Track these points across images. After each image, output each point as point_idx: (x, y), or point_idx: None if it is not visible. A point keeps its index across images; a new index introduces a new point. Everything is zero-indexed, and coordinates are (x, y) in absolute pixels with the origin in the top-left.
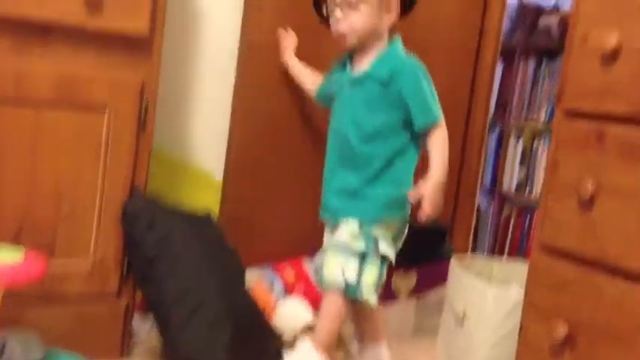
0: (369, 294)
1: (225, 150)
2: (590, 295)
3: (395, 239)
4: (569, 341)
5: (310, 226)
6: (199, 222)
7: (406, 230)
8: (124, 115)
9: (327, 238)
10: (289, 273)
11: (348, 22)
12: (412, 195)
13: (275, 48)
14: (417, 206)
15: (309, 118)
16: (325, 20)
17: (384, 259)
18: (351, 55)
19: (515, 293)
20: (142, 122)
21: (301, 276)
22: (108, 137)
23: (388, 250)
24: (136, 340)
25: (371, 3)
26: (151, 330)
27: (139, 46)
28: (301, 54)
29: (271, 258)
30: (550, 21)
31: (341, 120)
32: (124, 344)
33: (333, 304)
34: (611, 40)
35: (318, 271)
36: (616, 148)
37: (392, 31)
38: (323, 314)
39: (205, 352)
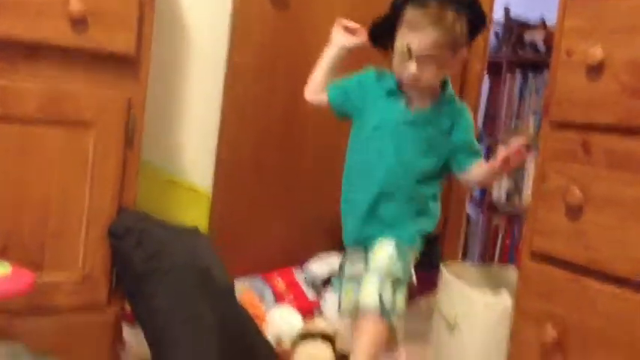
0: (398, 319)
1: (213, 164)
2: (580, 301)
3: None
4: (559, 346)
5: (297, 238)
6: (188, 236)
7: None
8: (111, 132)
9: (349, 268)
10: (279, 283)
11: (426, 76)
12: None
13: (260, 69)
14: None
15: (295, 135)
16: (381, 48)
17: (409, 286)
18: (395, 85)
19: (506, 300)
20: (130, 138)
21: (291, 285)
22: (95, 153)
23: (414, 277)
24: (126, 351)
25: (450, 55)
26: (140, 341)
27: (126, 64)
28: (289, 76)
29: (260, 269)
30: (536, 36)
31: (385, 152)
32: (113, 354)
33: (373, 328)
34: (596, 54)
35: (342, 301)
36: (602, 157)
37: None
38: (363, 339)
39: None
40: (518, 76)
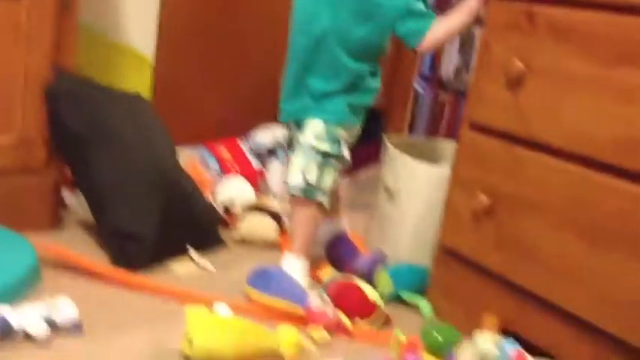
0: (324, 196)
1: (156, 29)
2: (513, 170)
3: (351, 145)
4: (490, 212)
5: (241, 107)
6: (129, 101)
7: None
8: None
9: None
10: (224, 152)
11: None
12: None
13: None
14: None
15: None
16: None
17: (341, 162)
18: None
19: (445, 170)
20: (65, 1)
21: (236, 154)
22: (29, 17)
23: (347, 153)
24: (67, 213)
25: None
26: (82, 202)
27: None
28: None
29: (204, 138)
30: None
31: (315, 19)
32: (54, 217)
33: (300, 209)
34: None
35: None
36: (545, 28)
37: None
38: (295, 222)
39: (137, 222)
40: None
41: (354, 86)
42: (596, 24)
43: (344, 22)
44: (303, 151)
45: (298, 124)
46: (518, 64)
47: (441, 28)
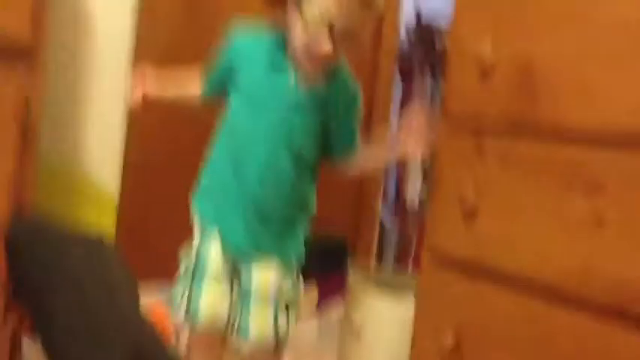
0: (286, 341)
1: (120, 164)
2: (475, 302)
3: None
4: (457, 350)
5: None
6: (91, 245)
7: None
8: (5, 127)
9: (214, 262)
10: None
11: (338, 54)
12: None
13: (171, 53)
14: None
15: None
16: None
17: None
18: (283, 54)
19: (410, 304)
20: (26, 135)
21: None
22: None
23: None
24: None
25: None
26: (40, 351)
27: (20, 53)
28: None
29: (168, 275)
30: (446, 39)
31: (269, 137)
32: None
33: None
34: (486, 52)
35: (196, 301)
36: (494, 158)
37: None
38: None
39: None
40: (429, 79)
41: (302, 210)
42: (542, 154)
43: (299, 145)
44: (270, 302)
45: (246, 256)
46: (472, 195)
47: (369, 159)
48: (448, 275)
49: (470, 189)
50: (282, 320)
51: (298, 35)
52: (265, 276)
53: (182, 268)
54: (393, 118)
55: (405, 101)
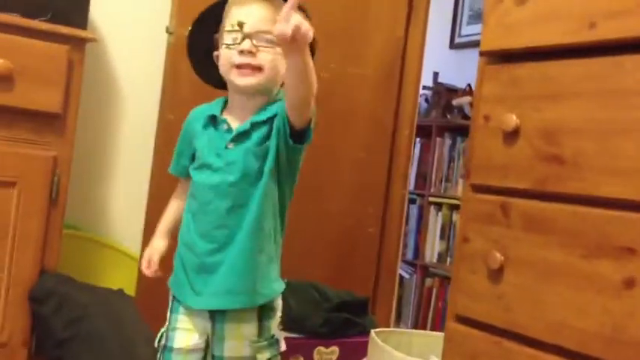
0: None
1: (142, 226)
2: None
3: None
4: None
5: None
6: (112, 300)
7: None
8: (35, 191)
9: (181, 337)
10: None
11: (261, 59)
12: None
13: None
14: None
15: None
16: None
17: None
18: (216, 111)
19: None
20: (54, 198)
21: None
22: (17, 213)
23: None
24: None
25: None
26: None
27: (52, 122)
28: None
29: None
30: (463, 101)
31: (225, 187)
32: None
33: None
34: (511, 120)
35: None
36: (520, 220)
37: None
38: None
39: None
40: (447, 139)
41: (263, 249)
42: (569, 216)
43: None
44: None
45: (212, 314)
46: (497, 256)
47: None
48: (473, 336)
49: (495, 249)
50: None
51: (222, 67)
52: (238, 341)
53: (156, 341)
54: (412, 174)
55: (423, 159)
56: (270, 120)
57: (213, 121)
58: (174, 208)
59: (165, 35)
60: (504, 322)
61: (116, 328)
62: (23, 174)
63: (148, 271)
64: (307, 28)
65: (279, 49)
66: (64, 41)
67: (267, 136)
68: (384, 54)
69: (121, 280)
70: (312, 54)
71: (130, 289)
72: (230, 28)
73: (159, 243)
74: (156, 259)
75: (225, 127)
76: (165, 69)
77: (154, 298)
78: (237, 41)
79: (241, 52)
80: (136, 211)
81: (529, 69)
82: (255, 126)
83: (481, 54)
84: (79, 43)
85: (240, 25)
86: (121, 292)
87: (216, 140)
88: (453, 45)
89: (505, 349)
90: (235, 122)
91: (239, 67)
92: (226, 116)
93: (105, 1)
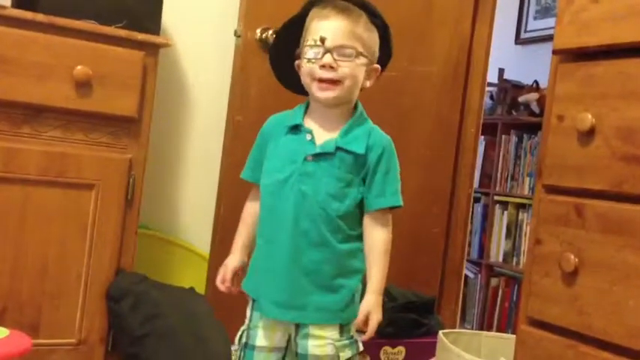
0: None
1: (212, 225)
2: None
3: None
4: None
5: None
6: (186, 298)
7: None
8: (112, 193)
9: (263, 336)
10: None
11: (340, 73)
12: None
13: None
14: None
15: None
16: (289, 78)
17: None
18: (299, 120)
19: None
20: (130, 199)
21: None
22: (95, 214)
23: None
24: None
25: (365, 59)
26: None
27: (128, 126)
28: None
29: None
30: (529, 98)
31: (300, 199)
32: None
33: None
34: (586, 120)
35: None
36: (596, 222)
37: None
38: None
39: None
40: (513, 137)
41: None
42: None
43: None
44: None
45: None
46: (572, 258)
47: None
48: (547, 339)
49: (569, 251)
50: None
51: (304, 78)
52: (319, 341)
53: (235, 344)
54: (477, 172)
55: (488, 157)
56: (355, 156)
57: (295, 129)
58: (249, 221)
59: (234, 38)
60: (579, 325)
61: (190, 325)
62: (101, 176)
63: (222, 287)
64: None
65: (358, 61)
66: (139, 47)
67: (350, 171)
68: (450, 51)
69: (192, 278)
70: (385, 67)
71: (201, 288)
72: (312, 43)
73: (232, 259)
74: (229, 276)
75: (308, 137)
76: (233, 71)
77: (224, 297)
78: (319, 56)
79: (322, 66)
80: (206, 211)
81: (606, 67)
82: (339, 150)
83: (554, 52)
84: (153, 49)
85: (322, 40)
86: (193, 290)
87: (296, 144)
88: (518, 40)
89: (580, 353)
90: (320, 133)
91: (320, 80)
92: (309, 125)
93: (176, 7)
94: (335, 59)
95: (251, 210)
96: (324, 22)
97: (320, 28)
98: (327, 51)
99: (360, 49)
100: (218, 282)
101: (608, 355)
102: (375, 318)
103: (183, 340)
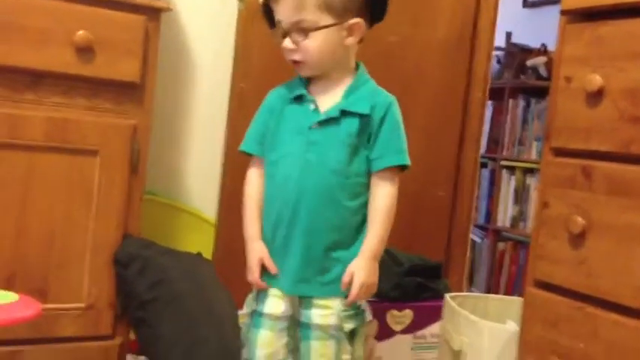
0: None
1: (218, 191)
2: (584, 330)
3: None
4: None
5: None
6: (192, 263)
7: None
8: (116, 159)
9: (269, 304)
10: None
11: (303, 51)
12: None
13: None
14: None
15: None
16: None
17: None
18: (303, 88)
19: (511, 327)
20: (134, 166)
21: None
22: (100, 181)
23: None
24: None
25: (327, 28)
26: None
27: (131, 91)
28: None
29: None
30: (537, 61)
31: (307, 168)
32: None
33: None
34: (594, 81)
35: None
36: (603, 184)
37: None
38: None
39: None
40: (521, 101)
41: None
42: None
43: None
44: (329, 335)
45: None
46: (579, 220)
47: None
48: (554, 301)
49: (576, 214)
50: (345, 354)
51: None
52: (323, 311)
53: (244, 309)
54: (484, 138)
55: (496, 121)
56: (360, 117)
57: (298, 99)
58: (259, 200)
59: (237, 3)
60: (587, 287)
61: (197, 289)
62: (105, 142)
63: (259, 285)
64: (369, 290)
65: (321, 30)
66: (140, 11)
67: (357, 134)
68: (456, 15)
69: (198, 243)
70: (382, 18)
71: (207, 253)
72: (274, 29)
73: (259, 248)
74: (257, 274)
75: (312, 106)
76: (236, 37)
77: (230, 262)
78: (280, 40)
79: (284, 49)
80: (212, 177)
81: (614, 27)
82: (344, 114)
83: (562, 13)
84: (155, 13)
85: (278, 23)
86: (199, 255)
87: (301, 113)
88: (526, 3)
89: (588, 314)
90: (323, 100)
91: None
92: (313, 94)
93: None
94: (295, 40)
95: (259, 188)
96: (275, 5)
97: (275, 11)
98: (285, 34)
99: (317, 17)
100: (253, 280)
101: (616, 315)
102: (359, 279)
103: (190, 304)
